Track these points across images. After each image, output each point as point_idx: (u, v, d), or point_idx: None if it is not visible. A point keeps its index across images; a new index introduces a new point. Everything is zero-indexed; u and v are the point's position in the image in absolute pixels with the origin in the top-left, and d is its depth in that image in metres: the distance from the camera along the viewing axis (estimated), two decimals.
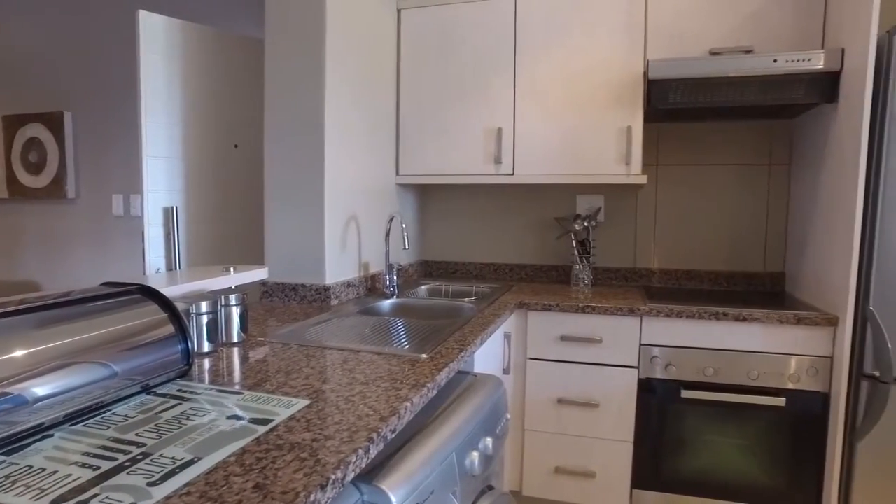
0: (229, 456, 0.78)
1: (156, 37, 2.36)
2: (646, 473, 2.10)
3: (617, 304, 2.05)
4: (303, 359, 1.29)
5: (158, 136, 2.40)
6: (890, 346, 1.79)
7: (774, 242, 2.47)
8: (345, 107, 2.07)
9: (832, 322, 1.89)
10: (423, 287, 2.53)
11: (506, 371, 2.02)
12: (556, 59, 2.34)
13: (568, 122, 2.34)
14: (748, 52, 2.17)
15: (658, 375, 2.04)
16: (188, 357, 1.10)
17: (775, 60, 2.00)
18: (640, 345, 2.05)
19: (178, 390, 1.04)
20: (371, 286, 2.29)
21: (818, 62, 1.97)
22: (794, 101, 2.03)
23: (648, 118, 2.40)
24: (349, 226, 2.14)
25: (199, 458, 0.76)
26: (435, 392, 1.15)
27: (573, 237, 2.52)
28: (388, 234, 2.21)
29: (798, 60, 1.98)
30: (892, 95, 1.74)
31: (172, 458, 0.76)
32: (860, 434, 1.85)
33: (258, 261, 2.11)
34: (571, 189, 2.67)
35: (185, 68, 2.48)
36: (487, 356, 1.77)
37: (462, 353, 1.36)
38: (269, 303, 2.03)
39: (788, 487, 1.98)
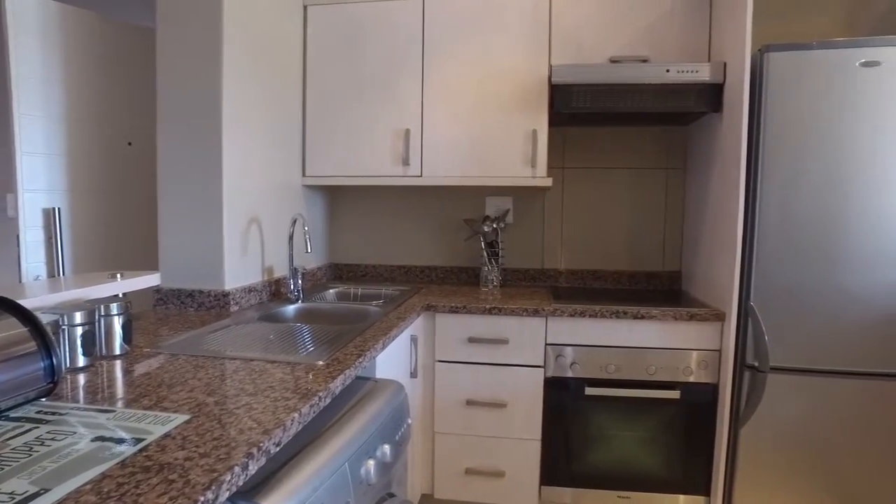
0: (85, 484, 0.71)
1: (27, 18, 2.16)
2: (553, 470, 2.15)
3: (523, 305, 2.09)
4: (190, 370, 1.21)
5: (35, 130, 2.20)
6: (767, 338, 1.92)
7: (672, 243, 2.60)
8: (245, 103, 1.98)
9: (720, 317, 2.01)
10: (331, 290, 2.47)
11: (413, 374, 2.00)
12: (465, 62, 2.35)
13: (476, 124, 2.36)
14: (644, 61, 2.27)
15: (563, 374, 2.09)
16: (53, 374, 1.00)
17: (668, 70, 2.10)
18: (546, 344, 2.09)
19: (38, 412, 0.95)
20: (275, 291, 2.21)
21: (705, 74, 2.09)
22: (685, 109, 2.14)
23: (554, 122, 2.46)
24: (251, 228, 2.05)
25: (47, 490, 0.68)
26: (328, 400, 1.12)
27: (482, 239, 2.54)
28: (291, 237, 2.14)
29: (687, 71, 2.09)
30: (765, 107, 1.88)
31: (11, 492, 0.67)
32: (743, 420, 1.98)
33: (156, 267, 1.98)
34: (481, 191, 2.69)
35: (67, 57, 2.30)
36: (392, 360, 1.74)
37: (361, 359, 1.33)
38: (163, 311, 1.91)
39: (684, 474, 2.09)
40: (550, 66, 2.26)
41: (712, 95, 2.11)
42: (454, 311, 2.11)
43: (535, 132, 2.30)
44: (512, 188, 2.66)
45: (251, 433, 0.88)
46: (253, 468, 0.82)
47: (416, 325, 2.07)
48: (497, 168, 2.35)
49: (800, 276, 1.91)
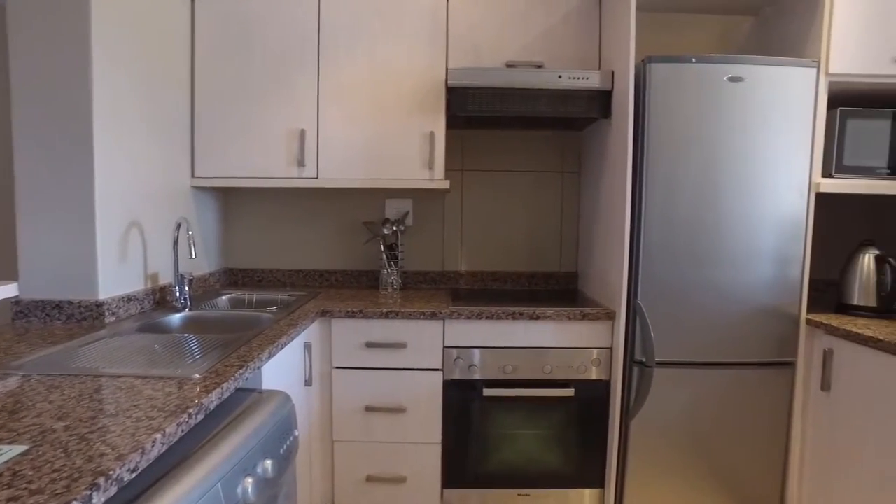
0: None
1: None
2: (455, 473, 2.15)
3: (420, 309, 2.07)
4: (42, 392, 1.09)
5: None
6: (653, 334, 2.02)
7: (568, 244, 2.68)
8: (121, 94, 1.83)
9: (611, 316, 2.09)
10: (223, 297, 2.34)
11: (308, 383, 1.93)
12: (362, 62, 2.31)
13: (373, 125, 2.32)
14: (539, 66, 2.32)
15: (462, 376, 2.10)
16: None
17: (560, 76, 2.16)
18: (444, 347, 2.09)
19: None
20: (160, 299, 2.06)
21: (594, 81, 2.17)
22: (577, 115, 2.21)
23: (452, 125, 2.46)
24: (130, 232, 1.90)
25: None
26: (200, 417, 1.04)
27: (382, 241, 2.50)
28: (176, 242, 2.00)
29: (578, 78, 2.16)
30: (648, 114, 1.97)
31: None
32: (632, 413, 2.07)
33: (13, 275, 1.78)
34: (380, 193, 2.65)
35: None
36: (282, 369, 1.67)
37: (242, 370, 1.26)
38: (24, 324, 1.73)
39: (580, 468, 2.15)
40: (447, 69, 2.26)
41: (602, 102, 2.20)
42: (351, 315, 2.06)
43: (432, 134, 2.29)
44: (412, 190, 2.64)
45: (101, 460, 0.80)
46: (99, 500, 0.74)
47: (311, 332, 2.00)
48: (395, 170, 2.32)
49: (680, 275, 2.02)
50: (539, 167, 2.66)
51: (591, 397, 2.12)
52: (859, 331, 1.85)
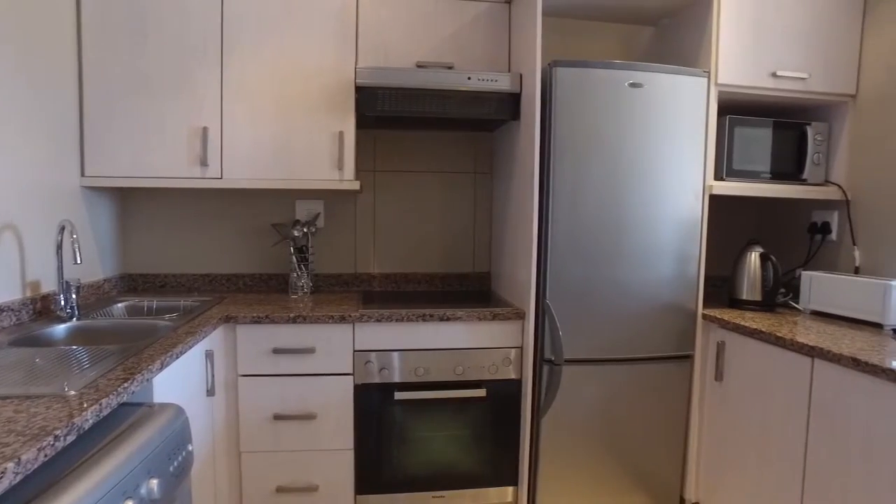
0: None
1: None
2: (368, 478, 2.11)
3: (329, 312, 2.02)
4: None
5: None
6: (561, 333, 2.07)
7: (481, 245, 2.71)
8: None
9: (520, 316, 2.12)
10: (119, 305, 2.19)
11: (210, 393, 1.84)
12: (268, 58, 2.22)
13: (280, 124, 2.24)
14: (450, 67, 2.33)
15: (373, 380, 2.07)
16: None
17: (469, 78, 2.18)
18: (354, 351, 2.05)
19: None
20: (41, 309, 1.90)
21: (503, 84, 2.20)
22: (486, 116, 2.23)
23: (362, 125, 2.43)
24: (3, 236, 1.73)
25: None
26: (71, 438, 0.95)
27: (291, 244, 2.43)
28: (59, 247, 1.85)
29: (487, 80, 2.18)
30: (554, 117, 2.02)
31: None
32: (543, 411, 2.11)
33: None
34: (290, 194, 2.57)
35: None
36: (179, 380, 1.57)
37: (128, 384, 1.17)
38: None
39: (493, 467, 2.17)
40: (356, 68, 2.22)
41: (511, 104, 2.23)
42: (257, 321, 1.98)
43: (341, 134, 2.25)
44: (323, 191, 2.58)
45: None
46: None
47: (214, 339, 1.91)
48: (304, 171, 2.26)
49: (586, 274, 2.08)
50: (452, 168, 2.67)
51: (503, 397, 2.15)
52: (746, 323, 1.98)
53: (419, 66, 2.31)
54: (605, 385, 2.14)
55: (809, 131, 2.30)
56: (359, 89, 2.14)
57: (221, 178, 2.22)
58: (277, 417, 2.03)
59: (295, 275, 2.42)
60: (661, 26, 2.59)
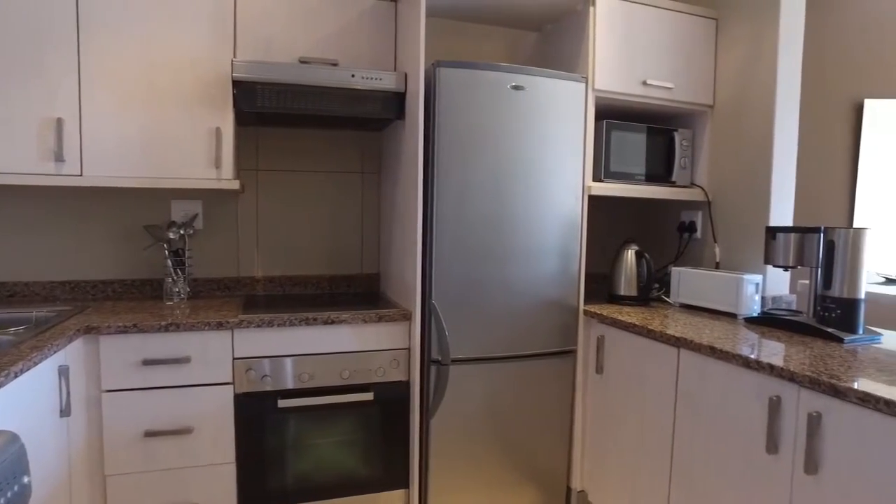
0: None
1: None
2: (252, 492, 2.01)
3: (205, 319, 1.90)
4: None
5: None
6: (447, 333, 2.08)
7: (370, 246, 2.67)
8: None
9: (407, 317, 2.10)
10: None
11: (64, 413, 1.66)
12: (135, 47, 2.05)
13: (151, 118, 2.08)
14: (334, 64, 2.27)
15: (254, 388, 1.97)
16: None
17: (353, 76, 2.13)
18: (234, 359, 1.94)
19: None
20: None
21: (389, 82, 2.18)
22: (372, 115, 2.19)
23: (244, 121, 2.31)
24: None
25: None
26: None
27: (166, 247, 2.27)
28: None
29: (372, 78, 2.15)
30: (438, 117, 2.02)
31: None
32: (432, 411, 2.11)
33: None
34: (165, 194, 2.40)
35: None
36: (21, 401, 1.41)
37: None
38: None
39: (384, 471, 2.14)
40: (233, 61, 2.11)
41: (396, 103, 2.21)
42: (123, 331, 1.82)
43: (218, 130, 2.12)
44: (201, 191, 2.43)
45: None
46: None
47: (71, 353, 1.73)
48: (177, 169, 2.11)
49: (471, 274, 2.10)
50: (339, 168, 2.61)
51: (392, 399, 2.12)
52: (623, 318, 2.08)
53: (302, 61, 2.23)
54: (493, 382, 2.18)
55: (677, 137, 2.47)
56: (236, 83, 2.03)
57: (81, 176, 2.03)
58: (149, 434, 1.88)
59: (170, 280, 2.26)
60: (544, 32, 2.68)
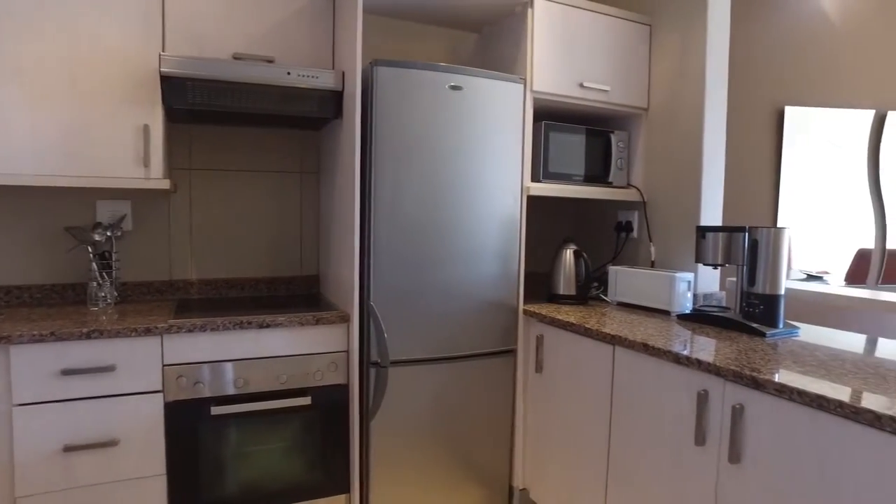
0: None
1: None
2: None
3: (132, 325, 1.81)
4: None
5: None
6: (386, 335, 2.06)
7: (309, 247, 2.61)
8: None
9: (345, 319, 2.07)
10: None
11: None
12: (54, 35, 1.93)
13: (71, 113, 1.97)
14: (270, 61, 2.21)
15: (186, 396, 1.89)
16: None
17: (289, 73, 2.08)
18: (164, 365, 1.86)
19: None
20: None
21: (327, 81, 2.14)
22: (309, 114, 2.15)
23: (174, 118, 2.22)
24: None
25: None
26: None
27: (91, 250, 2.15)
28: None
29: (308, 76, 2.10)
30: (376, 117, 2.00)
31: None
32: (372, 414, 2.08)
33: None
34: (89, 194, 2.28)
35: None
36: None
37: None
38: None
39: (324, 476, 2.10)
40: (161, 55, 2.02)
41: (334, 102, 2.17)
42: (38, 340, 1.71)
43: (146, 127, 2.03)
44: (130, 191, 2.32)
45: None
46: None
47: None
48: (102, 167, 2.01)
49: (411, 275, 2.09)
50: (277, 167, 2.55)
51: (330, 403, 2.08)
52: (561, 317, 2.11)
53: (236, 58, 2.16)
54: (434, 384, 2.17)
55: (613, 139, 2.53)
56: (164, 79, 1.95)
57: None
58: (69, 449, 1.78)
59: (95, 284, 2.15)
60: (484, 34, 2.69)
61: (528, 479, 2.35)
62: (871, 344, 1.72)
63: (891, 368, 1.42)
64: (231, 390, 1.94)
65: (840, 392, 1.21)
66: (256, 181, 2.51)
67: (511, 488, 2.39)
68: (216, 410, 1.90)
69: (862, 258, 3.77)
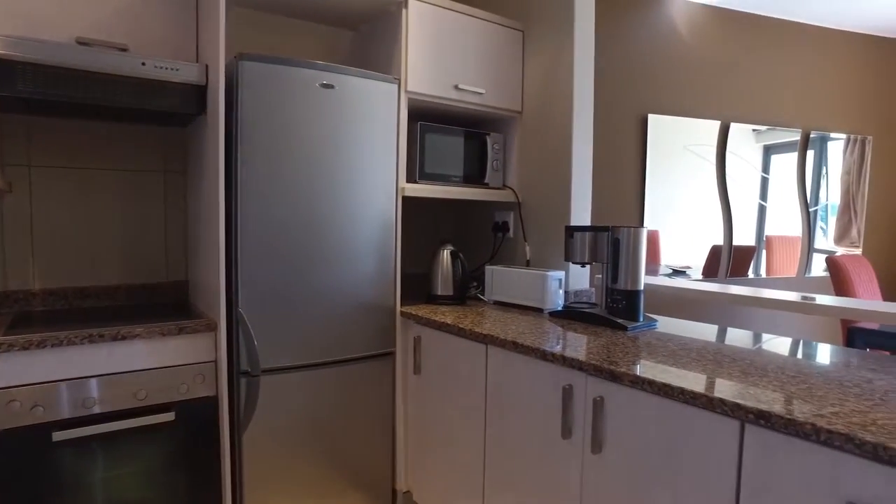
0: None
1: None
2: None
3: None
4: None
5: None
6: (256, 343, 1.96)
7: (175, 251, 2.43)
8: None
9: (212, 327, 1.94)
10: None
11: None
12: None
13: None
14: (123, 49, 2.02)
15: (19, 423, 1.67)
16: None
17: (143, 64, 1.92)
18: None
19: None
20: None
21: (189, 74, 1.99)
22: (169, 109, 1.99)
23: (4, 107, 1.97)
24: None
25: None
26: None
27: None
28: None
29: (167, 68, 1.95)
30: (242, 113, 1.90)
31: None
32: (244, 426, 1.97)
33: None
34: None
35: None
36: None
37: None
38: None
39: (193, 497, 1.95)
40: None
41: (197, 97, 2.03)
42: None
43: None
44: None
45: None
46: None
47: None
48: None
49: (282, 279, 2.00)
50: (138, 166, 2.34)
51: (197, 417, 1.95)
52: (438, 318, 2.12)
53: (80, 42, 1.96)
54: (311, 390, 2.10)
55: (489, 140, 2.59)
56: None
57: None
58: None
59: None
60: (360, 32, 2.65)
61: (411, 481, 2.35)
62: (722, 333, 1.88)
63: (727, 355, 1.56)
64: (78, 412, 1.75)
65: (682, 379, 1.31)
66: (113, 180, 2.29)
67: (394, 491, 2.38)
68: (58, 436, 1.71)
69: (714, 254, 4.15)
